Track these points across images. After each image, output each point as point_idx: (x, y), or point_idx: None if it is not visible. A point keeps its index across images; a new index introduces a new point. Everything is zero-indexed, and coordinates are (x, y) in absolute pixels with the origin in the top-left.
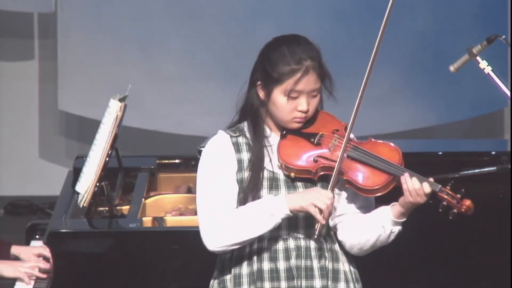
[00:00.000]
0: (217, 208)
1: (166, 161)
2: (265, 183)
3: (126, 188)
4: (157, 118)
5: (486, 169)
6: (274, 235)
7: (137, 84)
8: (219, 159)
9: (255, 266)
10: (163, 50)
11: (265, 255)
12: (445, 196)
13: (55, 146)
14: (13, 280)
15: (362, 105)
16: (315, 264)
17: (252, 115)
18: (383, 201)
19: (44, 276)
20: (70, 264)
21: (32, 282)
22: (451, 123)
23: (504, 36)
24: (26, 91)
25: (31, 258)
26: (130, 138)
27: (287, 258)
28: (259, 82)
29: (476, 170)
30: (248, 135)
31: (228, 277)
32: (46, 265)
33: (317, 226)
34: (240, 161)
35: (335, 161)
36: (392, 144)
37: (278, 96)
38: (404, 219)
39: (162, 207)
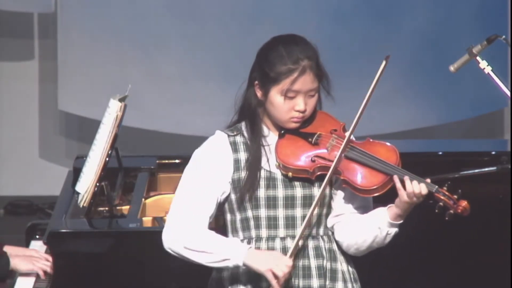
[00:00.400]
0: (190, 213)
1: (166, 161)
2: (262, 183)
3: (126, 188)
4: (157, 118)
5: (486, 169)
6: (271, 235)
7: (137, 84)
8: (212, 161)
9: None
10: (163, 50)
11: None
12: (442, 197)
13: (55, 146)
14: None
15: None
16: (313, 263)
17: (250, 115)
18: (382, 201)
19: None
20: (70, 264)
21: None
22: (451, 123)
23: (504, 36)
24: (26, 91)
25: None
26: (130, 138)
27: None
28: (256, 82)
29: (476, 170)
30: (245, 134)
31: (225, 275)
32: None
33: None
34: (237, 161)
35: (332, 161)
36: (389, 144)
37: (275, 96)
38: (401, 221)
39: (162, 207)
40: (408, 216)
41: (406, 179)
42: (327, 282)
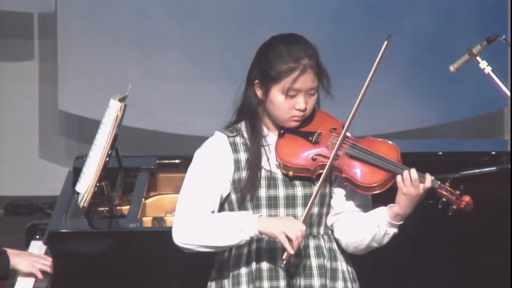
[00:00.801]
0: (194, 209)
1: (166, 161)
2: (263, 182)
3: (126, 188)
4: (157, 118)
5: (486, 169)
6: None
7: (137, 84)
8: (212, 161)
9: (253, 265)
10: (163, 50)
11: (264, 254)
12: (444, 193)
13: (55, 146)
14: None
15: (362, 105)
16: (314, 262)
17: (249, 115)
18: (382, 200)
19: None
20: (70, 264)
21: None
22: (451, 123)
23: (504, 36)
24: (26, 91)
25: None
26: (130, 138)
27: None
28: (256, 81)
29: (476, 170)
30: (245, 134)
31: (226, 277)
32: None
33: (285, 256)
34: (237, 161)
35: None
36: (390, 142)
37: (276, 95)
38: (401, 222)
39: (162, 207)
40: (409, 215)
41: (405, 171)
42: (328, 282)
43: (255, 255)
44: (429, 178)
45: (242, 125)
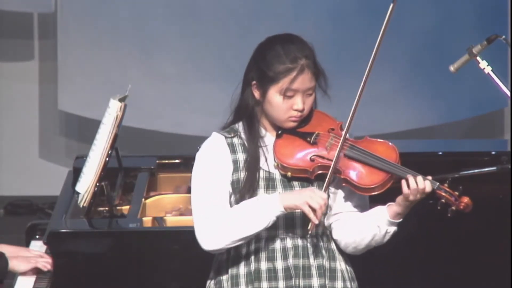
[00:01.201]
0: (212, 209)
1: (166, 161)
2: (262, 183)
3: (126, 188)
4: (157, 118)
5: (486, 169)
6: (271, 235)
7: (137, 84)
8: (214, 160)
9: (252, 266)
10: (163, 50)
11: (263, 255)
12: (443, 194)
13: (55, 146)
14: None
15: (362, 105)
16: (313, 263)
17: (247, 115)
18: (380, 201)
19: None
20: (70, 264)
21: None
22: (451, 123)
23: (504, 36)
24: (26, 91)
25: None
26: (130, 138)
27: (285, 257)
28: (254, 82)
29: (476, 170)
30: (243, 135)
31: (224, 277)
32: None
33: (310, 226)
34: (235, 162)
35: (332, 160)
36: (388, 142)
37: (274, 95)
38: (400, 220)
39: (162, 207)
40: (408, 215)
41: (410, 177)
42: (327, 281)
43: (254, 255)
44: (428, 182)
45: (240, 126)
